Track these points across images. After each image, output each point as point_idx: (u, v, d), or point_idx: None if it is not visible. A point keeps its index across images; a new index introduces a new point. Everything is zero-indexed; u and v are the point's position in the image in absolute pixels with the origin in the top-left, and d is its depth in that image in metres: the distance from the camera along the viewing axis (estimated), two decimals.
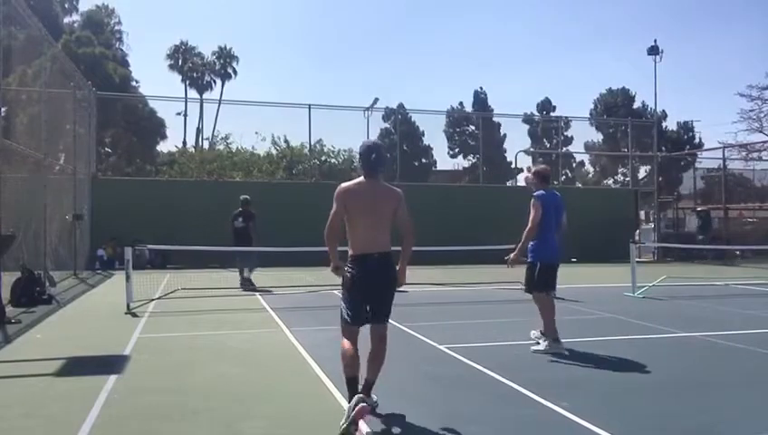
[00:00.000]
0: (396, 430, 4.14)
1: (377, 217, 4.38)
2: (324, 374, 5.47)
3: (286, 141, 29.20)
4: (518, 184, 33.04)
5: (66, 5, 39.90)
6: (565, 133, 36.06)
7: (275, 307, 9.95)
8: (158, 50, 57.80)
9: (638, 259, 13.47)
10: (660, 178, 27.46)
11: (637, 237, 22.82)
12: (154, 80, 78.38)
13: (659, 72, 42.97)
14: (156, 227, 16.86)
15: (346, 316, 4.40)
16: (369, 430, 3.86)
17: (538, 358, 6.30)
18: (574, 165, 45.53)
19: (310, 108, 21.66)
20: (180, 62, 47.27)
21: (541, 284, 6.67)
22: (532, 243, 6.66)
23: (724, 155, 27.50)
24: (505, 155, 41.83)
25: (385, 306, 4.40)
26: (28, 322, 8.42)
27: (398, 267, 4.46)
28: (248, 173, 27.30)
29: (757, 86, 33.73)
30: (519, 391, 5.01)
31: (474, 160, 41.76)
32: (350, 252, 4.40)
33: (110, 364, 5.87)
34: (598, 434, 3.99)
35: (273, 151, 29.42)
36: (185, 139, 39.53)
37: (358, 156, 4.69)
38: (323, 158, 29.34)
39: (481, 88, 47.91)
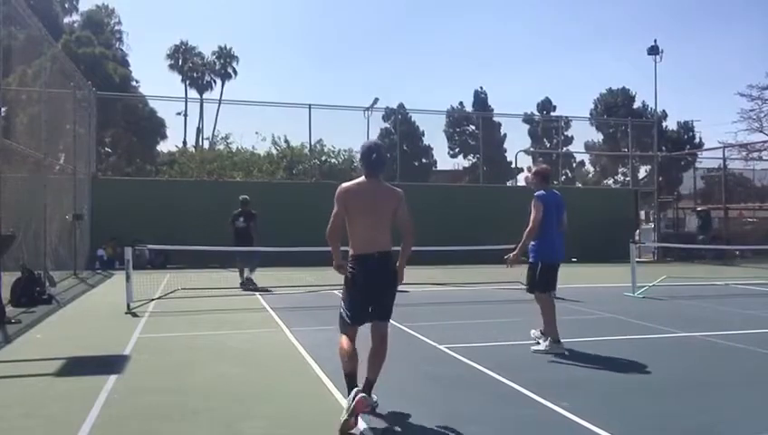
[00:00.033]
0: (396, 429, 4.14)
1: (377, 217, 4.39)
2: (324, 374, 5.47)
3: (286, 141, 29.20)
4: (518, 184, 33.13)
5: (66, 5, 39.89)
6: (565, 133, 36.07)
7: (275, 307, 9.95)
8: (158, 50, 57.96)
9: (638, 259, 13.47)
10: (660, 178, 27.45)
11: (637, 237, 22.82)
12: (154, 80, 78.54)
13: (659, 72, 43.14)
14: (156, 227, 16.87)
15: (345, 316, 4.42)
16: (365, 426, 3.87)
17: (538, 358, 6.30)
18: (574, 165, 45.52)
19: (310, 108, 21.66)
20: (180, 62, 47.29)
21: (542, 284, 6.66)
22: (533, 243, 6.65)
23: (724, 155, 27.59)
24: (506, 155, 41.85)
25: (386, 306, 4.42)
26: (28, 322, 8.41)
27: (397, 265, 4.47)
28: (248, 173, 27.28)
29: (757, 86, 33.87)
30: (519, 391, 5.01)
31: (474, 160, 41.74)
32: (351, 252, 4.42)
33: (110, 364, 5.87)
34: (598, 434, 4.00)
35: (274, 151, 29.40)
36: (185, 139, 39.62)
37: (358, 156, 4.70)
38: (323, 158, 29.32)
39: (481, 88, 48.00)
